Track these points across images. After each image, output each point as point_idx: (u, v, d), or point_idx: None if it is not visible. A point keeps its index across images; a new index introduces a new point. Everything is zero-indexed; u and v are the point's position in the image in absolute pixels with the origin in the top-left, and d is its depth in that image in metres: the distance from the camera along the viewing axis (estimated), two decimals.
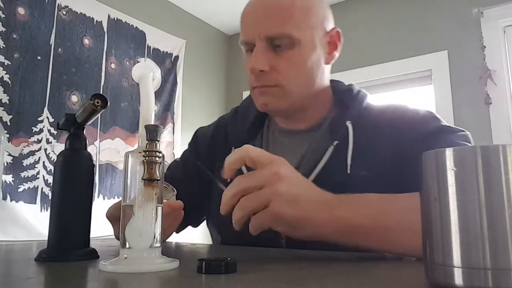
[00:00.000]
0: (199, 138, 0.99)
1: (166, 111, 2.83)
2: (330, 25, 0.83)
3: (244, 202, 0.55)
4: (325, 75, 0.85)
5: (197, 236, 0.92)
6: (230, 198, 0.55)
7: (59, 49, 2.25)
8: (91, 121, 0.63)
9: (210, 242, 0.95)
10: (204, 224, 0.98)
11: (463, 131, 0.74)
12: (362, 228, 0.57)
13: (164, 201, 0.63)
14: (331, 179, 0.74)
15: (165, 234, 0.75)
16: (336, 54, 0.84)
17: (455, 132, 0.73)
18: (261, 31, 0.76)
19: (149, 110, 0.53)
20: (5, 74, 2.00)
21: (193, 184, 0.91)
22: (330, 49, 0.83)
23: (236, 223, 0.55)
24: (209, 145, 0.95)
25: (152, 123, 0.51)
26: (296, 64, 0.77)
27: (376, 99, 0.88)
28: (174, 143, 2.86)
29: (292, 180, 0.56)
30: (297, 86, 0.79)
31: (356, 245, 0.59)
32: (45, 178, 2.10)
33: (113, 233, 0.79)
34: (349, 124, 0.79)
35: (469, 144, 0.70)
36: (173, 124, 2.88)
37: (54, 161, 0.62)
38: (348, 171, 0.74)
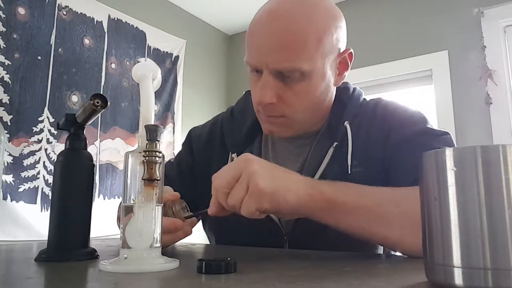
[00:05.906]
0: (193, 140, 0.95)
1: (166, 111, 2.83)
2: (343, 45, 0.78)
3: (233, 202, 0.57)
4: (333, 93, 0.82)
5: (197, 236, 0.92)
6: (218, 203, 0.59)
7: (59, 49, 2.25)
8: (91, 121, 0.63)
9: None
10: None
11: (447, 133, 0.74)
12: (344, 205, 0.59)
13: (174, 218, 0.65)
14: (333, 180, 0.75)
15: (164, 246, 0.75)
16: (346, 74, 0.81)
17: (438, 135, 0.73)
18: (270, 62, 0.71)
19: (149, 110, 0.53)
20: (6, 74, 2.00)
21: (187, 186, 0.88)
22: (340, 69, 0.79)
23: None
24: (205, 148, 0.92)
25: (152, 123, 0.51)
26: (305, 96, 0.74)
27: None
28: (174, 143, 2.85)
29: (264, 162, 0.60)
30: (304, 115, 0.77)
31: (337, 223, 0.60)
32: (46, 178, 2.09)
33: (115, 233, 0.79)
34: (347, 124, 0.79)
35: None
36: (173, 124, 2.88)
37: (55, 161, 0.62)
38: (349, 171, 0.75)
